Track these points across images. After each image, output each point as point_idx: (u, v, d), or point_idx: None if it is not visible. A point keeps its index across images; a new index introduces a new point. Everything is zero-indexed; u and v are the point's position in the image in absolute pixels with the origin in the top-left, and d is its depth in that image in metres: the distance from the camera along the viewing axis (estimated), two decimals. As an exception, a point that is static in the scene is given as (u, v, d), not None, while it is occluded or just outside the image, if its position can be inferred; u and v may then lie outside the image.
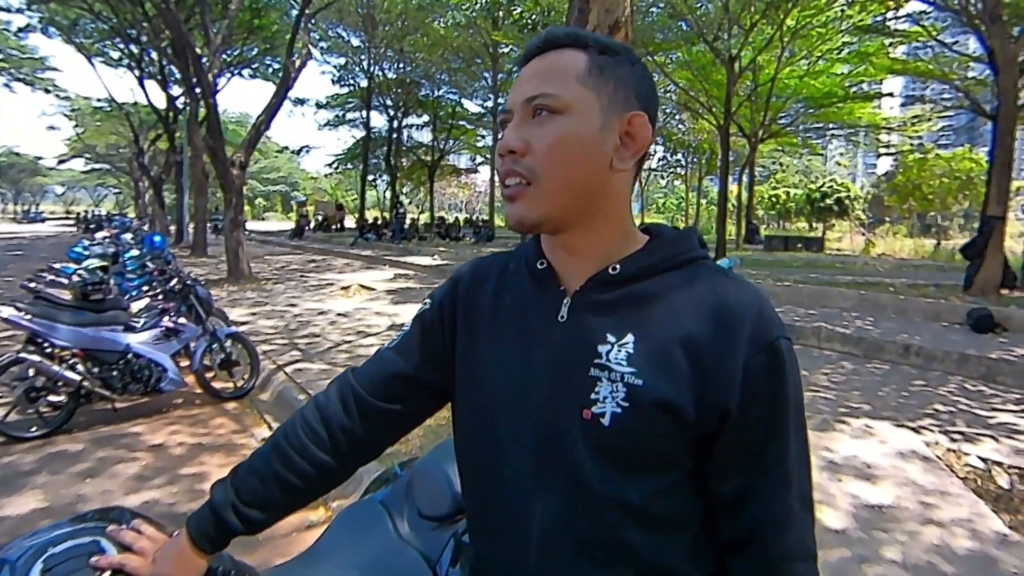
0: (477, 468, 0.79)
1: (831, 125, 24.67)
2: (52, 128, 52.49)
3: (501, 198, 0.73)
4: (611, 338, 0.69)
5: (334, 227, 31.25)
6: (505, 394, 0.74)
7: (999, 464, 3.14)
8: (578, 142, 0.68)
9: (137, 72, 21.25)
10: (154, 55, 20.10)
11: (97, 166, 44.93)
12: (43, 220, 52.88)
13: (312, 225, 31.85)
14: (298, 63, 11.05)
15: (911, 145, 26.67)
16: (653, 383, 0.65)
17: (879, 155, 39.50)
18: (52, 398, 3.69)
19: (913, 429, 3.64)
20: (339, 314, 7.55)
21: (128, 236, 10.75)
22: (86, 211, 37.64)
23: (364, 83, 28.53)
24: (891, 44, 16.23)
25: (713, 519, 0.71)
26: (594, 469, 0.67)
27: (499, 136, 0.72)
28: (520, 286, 0.78)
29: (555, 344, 0.71)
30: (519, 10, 18.19)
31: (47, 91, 27.59)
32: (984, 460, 3.19)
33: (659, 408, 0.65)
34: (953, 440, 3.47)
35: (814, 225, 36.31)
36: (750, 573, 0.69)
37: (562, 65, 0.69)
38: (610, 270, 0.71)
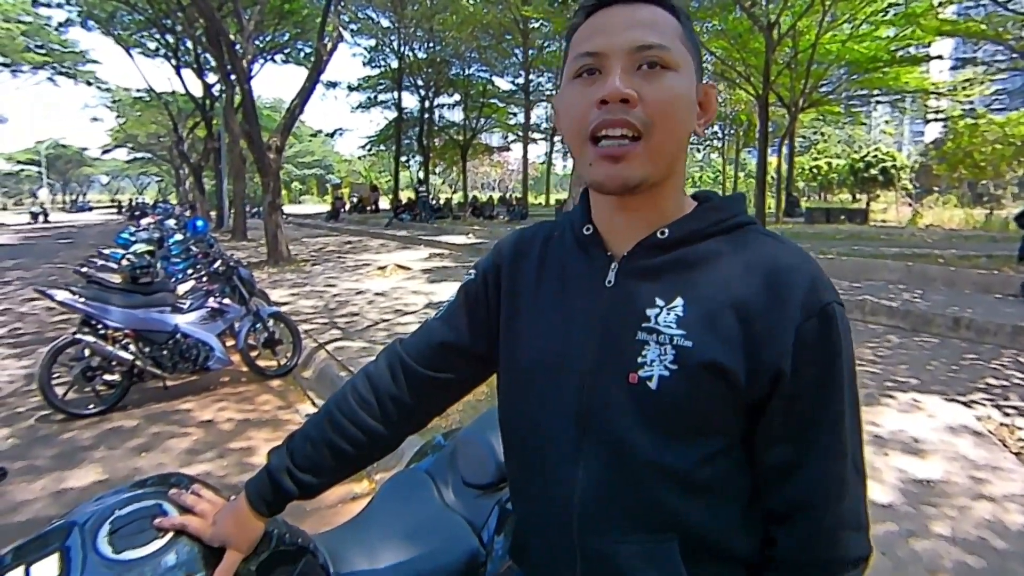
0: (520, 434, 0.79)
1: (876, 92, 23.70)
2: (95, 119, 54.34)
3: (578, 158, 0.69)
4: (660, 302, 0.68)
5: (369, 208, 31.58)
6: (549, 360, 0.73)
7: (1056, 439, 3.02)
8: (685, 100, 0.67)
9: (174, 61, 21.74)
10: (189, 44, 20.47)
11: (139, 155, 46.29)
12: (90, 209, 54.90)
13: (347, 207, 32.26)
14: (329, 46, 11.09)
15: (962, 110, 25.40)
16: (703, 345, 0.64)
17: (927, 122, 37.72)
18: (107, 377, 3.87)
19: (964, 403, 3.52)
20: (377, 293, 7.67)
21: (172, 222, 11.09)
22: (131, 199, 38.89)
23: (395, 64, 28.58)
24: (940, 4, 15.42)
25: (761, 488, 0.69)
26: (639, 434, 0.66)
27: (585, 73, 0.68)
28: (564, 253, 0.78)
29: (602, 309, 0.71)
30: (548, -16, 17.85)
31: (89, 83, 28.45)
32: (1040, 435, 3.07)
33: (709, 370, 0.64)
34: (1006, 414, 3.35)
35: (857, 196, 35.08)
36: (801, 544, 0.67)
37: (665, 21, 0.67)
38: (658, 234, 0.70)
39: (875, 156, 35.30)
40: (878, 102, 28.53)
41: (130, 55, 22.69)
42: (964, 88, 21.09)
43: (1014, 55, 11.25)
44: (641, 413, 0.66)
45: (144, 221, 11.21)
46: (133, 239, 7.93)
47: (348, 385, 0.90)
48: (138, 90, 29.99)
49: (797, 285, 0.64)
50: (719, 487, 0.67)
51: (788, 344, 0.63)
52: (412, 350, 0.88)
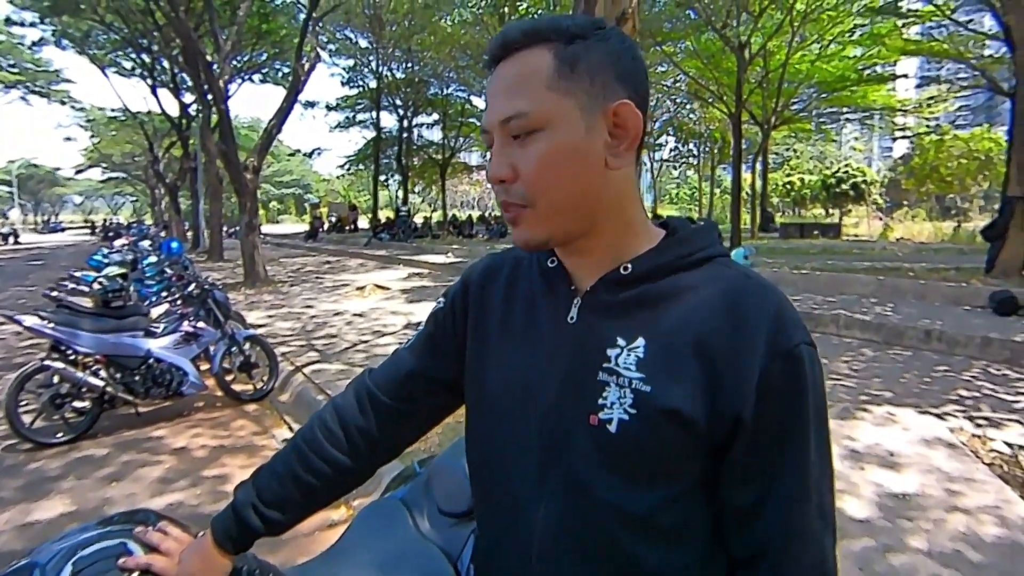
0: (485, 467, 0.78)
1: (845, 109, 24.39)
2: (69, 139, 53.83)
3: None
4: (621, 341, 0.66)
5: (347, 228, 31.49)
6: (512, 394, 0.72)
7: (1026, 449, 3.09)
8: (564, 156, 0.63)
9: (150, 81, 21.60)
10: (166, 63, 20.37)
11: (114, 175, 45.66)
12: (62, 229, 53.80)
13: (326, 227, 32.11)
14: (307, 66, 11.11)
15: (927, 127, 26.27)
16: (662, 390, 0.62)
17: (895, 138, 38.87)
18: (77, 404, 3.76)
19: (937, 415, 3.58)
20: (355, 314, 7.61)
21: (146, 243, 10.92)
22: (105, 219, 38.21)
23: (373, 84, 28.71)
24: (904, 24, 15.97)
25: (723, 533, 0.67)
26: (598, 476, 0.65)
27: (488, 149, 0.68)
28: (531, 283, 0.77)
29: (564, 346, 0.69)
30: (525, 5, 18.13)
31: (62, 103, 28.13)
32: (1010, 445, 3.13)
33: (667, 416, 0.61)
34: (978, 425, 3.42)
35: (830, 211, 35.80)
36: None
37: (527, 73, 0.63)
38: (621, 270, 0.68)
39: (846, 172, 36.14)
40: (847, 119, 29.36)
41: (105, 74, 22.50)
42: (929, 105, 21.83)
43: (975, 73, 11.66)
44: (601, 455, 0.65)
45: (118, 242, 11.02)
46: (106, 261, 7.79)
47: (315, 417, 0.89)
48: (113, 109, 29.74)
49: (762, 324, 0.61)
50: (678, 531, 0.65)
51: (751, 387, 0.60)
52: (380, 381, 0.87)
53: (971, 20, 14.97)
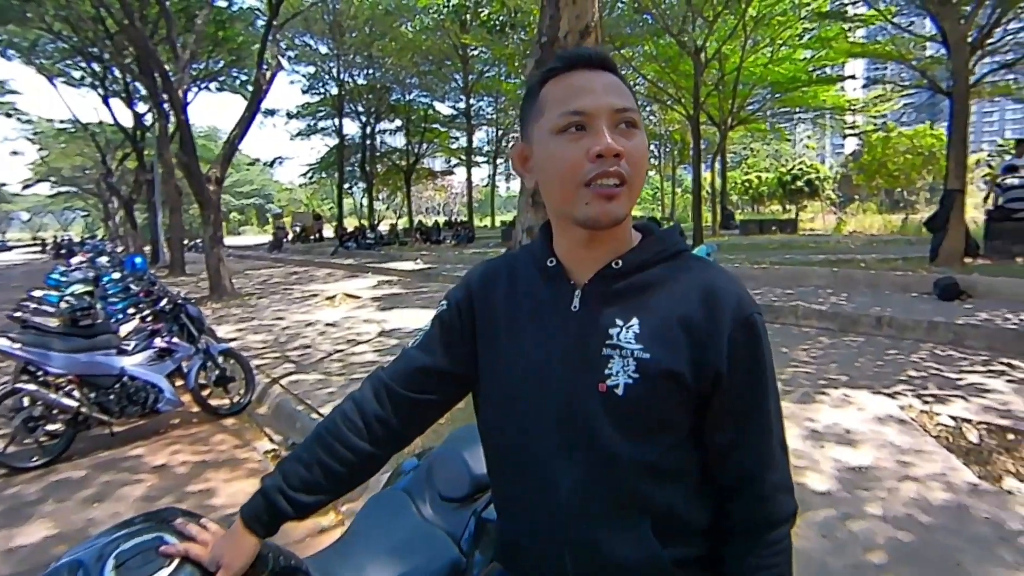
0: (504, 447, 0.90)
1: (797, 109, 25.22)
2: (15, 153, 51.88)
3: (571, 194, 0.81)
4: (619, 322, 0.81)
5: (313, 237, 31.06)
6: (527, 378, 0.85)
7: (968, 421, 3.33)
8: (647, 154, 0.82)
9: (101, 91, 20.96)
10: (118, 73, 19.81)
11: (64, 189, 43.89)
12: (9, 248, 51.64)
13: (290, 237, 31.62)
14: (268, 75, 11.00)
15: (875, 125, 27.24)
16: (658, 356, 0.78)
17: (845, 136, 40.24)
18: (50, 427, 3.69)
19: (888, 395, 3.82)
20: (328, 324, 7.59)
21: (104, 259, 10.66)
22: (56, 236, 36.77)
23: (335, 91, 28.46)
24: (850, 28, 16.64)
25: (710, 467, 0.84)
26: (611, 433, 0.79)
27: (573, 128, 0.79)
28: (531, 283, 0.90)
29: (571, 331, 0.83)
30: (486, 12, 18.26)
31: (8, 115, 26.97)
32: (955, 419, 3.38)
33: (664, 376, 0.77)
34: (926, 402, 3.66)
35: (787, 207, 36.88)
36: (746, 507, 0.83)
37: (624, 87, 0.82)
38: (613, 264, 0.83)
39: (801, 169, 37.37)
40: (800, 119, 30.31)
41: (54, 85, 21.70)
42: (875, 104, 22.71)
43: (917, 73, 12.25)
44: (611, 416, 0.79)
45: (75, 260, 10.72)
46: (65, 279, 7.59)
47: (336, 411, 0.99)
48: (62, 121, 28.78)
49: (727, 301, 0.80)
50: (678, 472, 0.82)
51: (723, 348, 0.78)
52: (394, 375, 0.98)
53: (911, 24, 15.69)
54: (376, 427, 0.95)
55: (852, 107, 24.47)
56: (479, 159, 36.40)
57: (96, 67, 20.31)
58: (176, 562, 0.86)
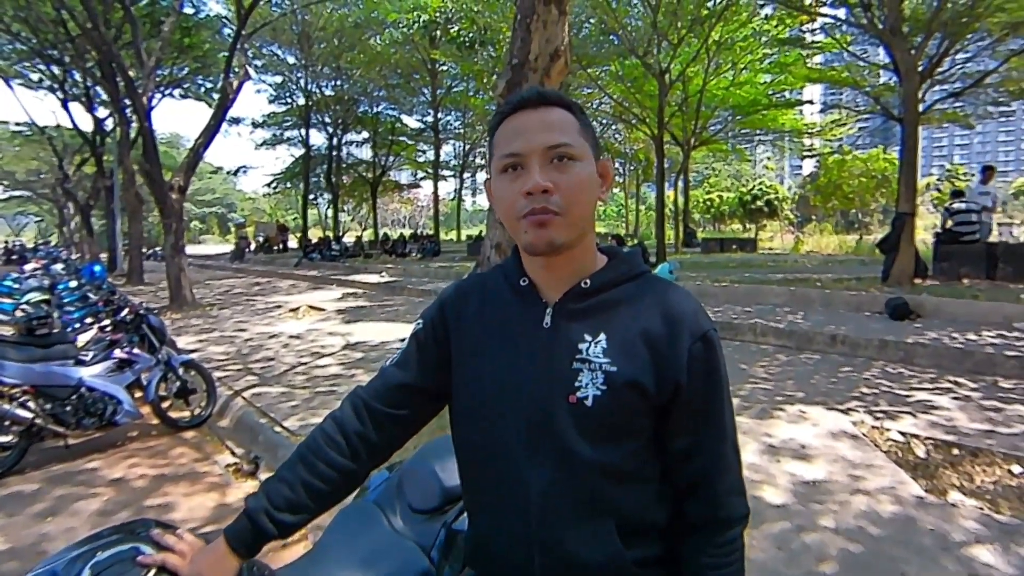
0: (477, 455, 0.95)
1: (757, 131, 26.03)
2: (-37, 156, 49.03)
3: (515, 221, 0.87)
4: (588, 337, 0.87)
5: (276, 248, 30.53)
6: (501, 389, 0.90)
7: (916, 437, 3.49)
8: (588, 183, 0.87)
9: (60, 94, 20.30)
10: (78, 76, 19.25)
11: (16, 193, 42.19)
12: (-46, 254, 49.22)
13: (253, 247, 31.03)
14: (236, 83, 10.87)
15: (831, 148, 28.33)
16: (624, 369, 0.85)
17: (803, 158, 41.72)
18: (1, 439, 3.57)
19: (842, 411, 3.98)
20: (291, 336, 7.49)
21: (59, 267, 10.31)
22: (7, 242, 35.20)
23: (302, 101, 28.16)
24: (808, 55, 17.39)
25: (669, 470, 0.90)
26: (580, 441, 0.85)
27: (510, 168, 0.87)
28: (503, 301, 0.96)
29: (542, 346, 0.89)
30: (456, 28, 18.41)
31: (-42, 117, 25.89)
32: (904, 434, 3.54)
33: (629, 387, 0.84)
34: (877, 418, 3.82)
35: (747, 226, 37.89)
36: (702, 508, 0.89)
37: (565, 121, 0.87)
38: (582, 284, 0.90)
39: (760, 189, 38.51)
40: (760, 140, 31.26)
41: (10, 86, 20.92)
42: (831, 128, 23.60)
43: (871, 99, 12.85)
44: (579, 425, 0.85)
45: (28, 267, 10.33)
46: (18, 286, 7.33)
47: (316, 430, 1.02)
48: (17, 123, 27.57)
49: (686, 318, 0.87)
50: (640, 475, 0.88)
51: (683, 361, 0.85)
52: (373, 393, 1.02)
53: (866, 52, 16.49)
54: (356, 443, 0.99)
55: (809, 130, 25.44)
56: (446, 173, 36.52)
57: (56, 70, 19.71)
58: (153, 572, 0.88)
